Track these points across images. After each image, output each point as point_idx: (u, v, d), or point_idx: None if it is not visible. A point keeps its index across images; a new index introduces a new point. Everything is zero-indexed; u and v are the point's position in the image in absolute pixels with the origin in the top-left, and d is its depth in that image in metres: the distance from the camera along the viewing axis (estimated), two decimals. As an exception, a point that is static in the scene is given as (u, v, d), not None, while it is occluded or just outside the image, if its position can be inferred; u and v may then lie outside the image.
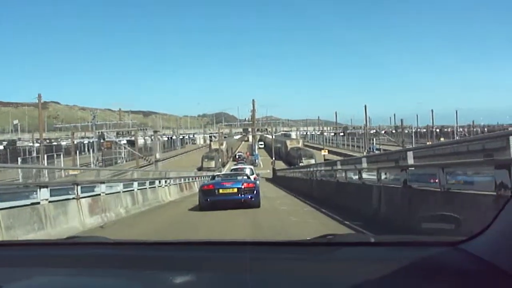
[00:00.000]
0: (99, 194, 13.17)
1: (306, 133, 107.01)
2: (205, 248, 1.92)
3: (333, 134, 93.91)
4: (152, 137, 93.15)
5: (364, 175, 12.91)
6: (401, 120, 72.83)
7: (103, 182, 13.68)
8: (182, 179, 26.80)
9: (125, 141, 61.22)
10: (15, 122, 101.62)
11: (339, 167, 16.52)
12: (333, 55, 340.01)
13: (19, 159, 51.21)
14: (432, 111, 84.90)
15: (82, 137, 73.99)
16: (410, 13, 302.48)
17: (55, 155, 56.23)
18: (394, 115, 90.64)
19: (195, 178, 32.68)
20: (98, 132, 51.33)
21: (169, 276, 1.59)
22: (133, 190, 16.56)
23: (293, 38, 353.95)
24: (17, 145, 78.81)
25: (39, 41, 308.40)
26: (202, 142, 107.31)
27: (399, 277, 1.43)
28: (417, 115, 73.42)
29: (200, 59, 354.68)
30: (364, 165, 13.19)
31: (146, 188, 18.26)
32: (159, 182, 20.77)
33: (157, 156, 35.06)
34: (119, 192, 14.94)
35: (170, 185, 22.70)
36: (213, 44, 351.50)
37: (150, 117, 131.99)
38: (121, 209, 14.59)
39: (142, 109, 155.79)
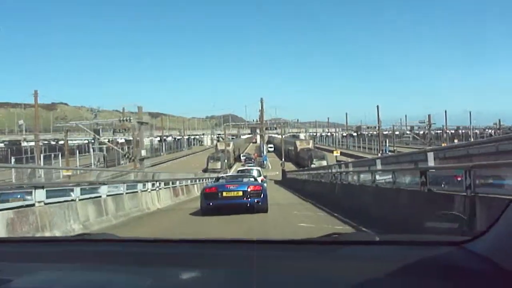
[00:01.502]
0: (33, 205, 8.62)
1: (315, 134, 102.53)
2: (212, 246, 1.87)
3: (344, 135, 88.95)
4: (153, 137, 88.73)
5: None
6: (429, 116, 66.46)
7: (41, 187, 9.09)
8: (177, 182, 22.06)
9: (123, 140, 56.79)
10: (20, 122, 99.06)
11: (378, 167, 11.82)
12: (341, 58, 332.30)
13: (13, 159, 46.88)
14: (445, 112, 79.24)
15: (86, 137, 69.76)
16: (420, 15, 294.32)
17: (52, 156, 52.22)
18: (406, 116, 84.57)
19: (196, 181, 27.98)
20: (97, 130, 46.52)
21: (177, 272, 1.55)
22: (99, 196, 11.98)
23: (302, 40, 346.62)
24: (22, 145, 75.93)
25: (48, 43, 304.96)
26: (209, 143, 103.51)
27: (403, 276, 1.37)
28: (428, 115, 66.79)
29: (209, 61, 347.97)
30: (431, 163, 8.50)
31: (122, 194, 13.66)
32: (143, 185, 16.14)
33: (143, 153, 29.62)
34: (73, 200, 10.37)
35: (159, 189, 18.05)
36: (222, 45, 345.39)
37: (158, 118, 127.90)
38: (75, 225, 10.02)
39: (150, 111, 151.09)
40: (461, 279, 1.32)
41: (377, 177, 11.58)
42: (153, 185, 17.16)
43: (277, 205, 15.83)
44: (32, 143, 67.99)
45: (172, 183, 20.82)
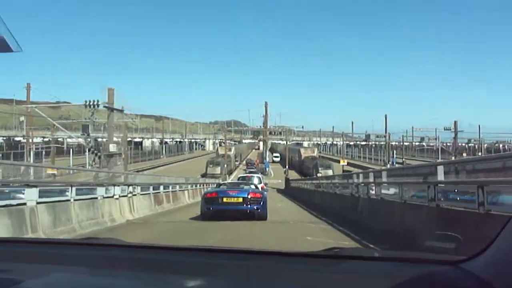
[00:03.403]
0: None
1: (319, 144, 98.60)
2: (213, 255, 1.84)
3: (351, 144, 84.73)
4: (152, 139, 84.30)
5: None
6: (455, 122, 61.49)
7: None
8: (161, 187, 17.85)
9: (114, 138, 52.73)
10: (21, 119, 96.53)
11: (441, 177, 7.69)
12: (347, 68, 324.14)
13: (-2, 155, 43.02)
14: (455, 123, 73.98)
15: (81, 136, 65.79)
16: (422, 27, 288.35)
17: (43, 153, 48.43)
18: (412, 128, 79.75)
19: (188, 186, 23.76)
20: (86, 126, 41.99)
21: (177, 279, 1.56)
22: (23, 204, 7.92)
23: (308, 49, 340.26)
24: (20, 141, 73.02)
25: (54, 41, 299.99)
26: (211, 148, 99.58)
27: None
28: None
29: (214, 67, 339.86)
30: None
31: (67, 201, 9.59)
32: (107, 189, 12.02)
33: (112, 148, 24.27)
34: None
35: (133, 194, 13.92)
36: (228, 53, 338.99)
37: (161, 121, 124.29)
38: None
39: (154, 114, 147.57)
40: None
41: (437, 192, 7.47)
42: (124, 189, 13.04)
43: (283, 224, 11.78)
44: (33, 140, 64.68)
45: (154, 188, 16.68)
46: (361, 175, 13.29)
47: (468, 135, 77.07)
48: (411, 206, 8.59)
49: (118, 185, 12.83)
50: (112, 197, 12.13)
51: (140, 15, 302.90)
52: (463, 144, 73.51)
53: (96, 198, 11.11)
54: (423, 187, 8.23)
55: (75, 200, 9.81)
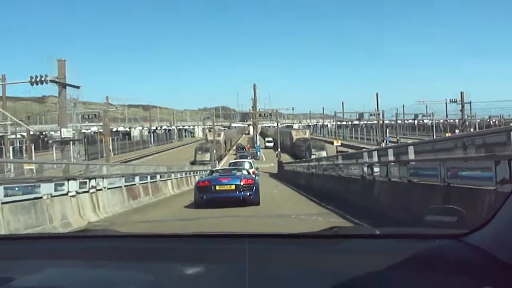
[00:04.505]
0: None
1: (309, 125, 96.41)
2: (210, 241, 1.81)
3: (344, 123, 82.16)
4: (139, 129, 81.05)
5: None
6: (461, 94, 57.28)
7: None
8: (137, 178, 15.12)
9: (94, 128, 49.88)
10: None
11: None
12: (335, 47, 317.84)
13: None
14: (461, 94, 70.27)
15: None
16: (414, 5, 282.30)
17: (24, 148, 45.57)
18: (403, 106, 77.11)
19: (171, 175, 21.01)
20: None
21: (175, 267, 1.51)
22: None
23: (295, 31, 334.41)
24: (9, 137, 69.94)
25: (38, 31, 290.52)
26: (201, 135, 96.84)
27: (403, 269, 1.34)
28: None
29: (201, 52, 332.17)
30: None
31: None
32: (58, 185, 9.33)
33: (65, 133, 20.57)
34: None
35: (97, 189, 11.23)
36: (214, 37, 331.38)
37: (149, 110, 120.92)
38: None
39: (142, 103, 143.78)
40: (459, 271, 1.28)
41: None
42: (82, 184, 10.35)
43: (282, 219, 9.27)
44: (18, 136, 61.58)
45: (128, 180, 13.98)
46: (375, 153, 10.73)
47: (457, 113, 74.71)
48: (464, 190, 6.06)
49: (75, 179, 10.13)
50: (66, 194, 9.45)
51: (125, 4, 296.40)
52: (455, 120, 71.12)
53: (41, 197, 8.43)
54: (485, 164, 5.69)
55: (3, 203, 7.15)
